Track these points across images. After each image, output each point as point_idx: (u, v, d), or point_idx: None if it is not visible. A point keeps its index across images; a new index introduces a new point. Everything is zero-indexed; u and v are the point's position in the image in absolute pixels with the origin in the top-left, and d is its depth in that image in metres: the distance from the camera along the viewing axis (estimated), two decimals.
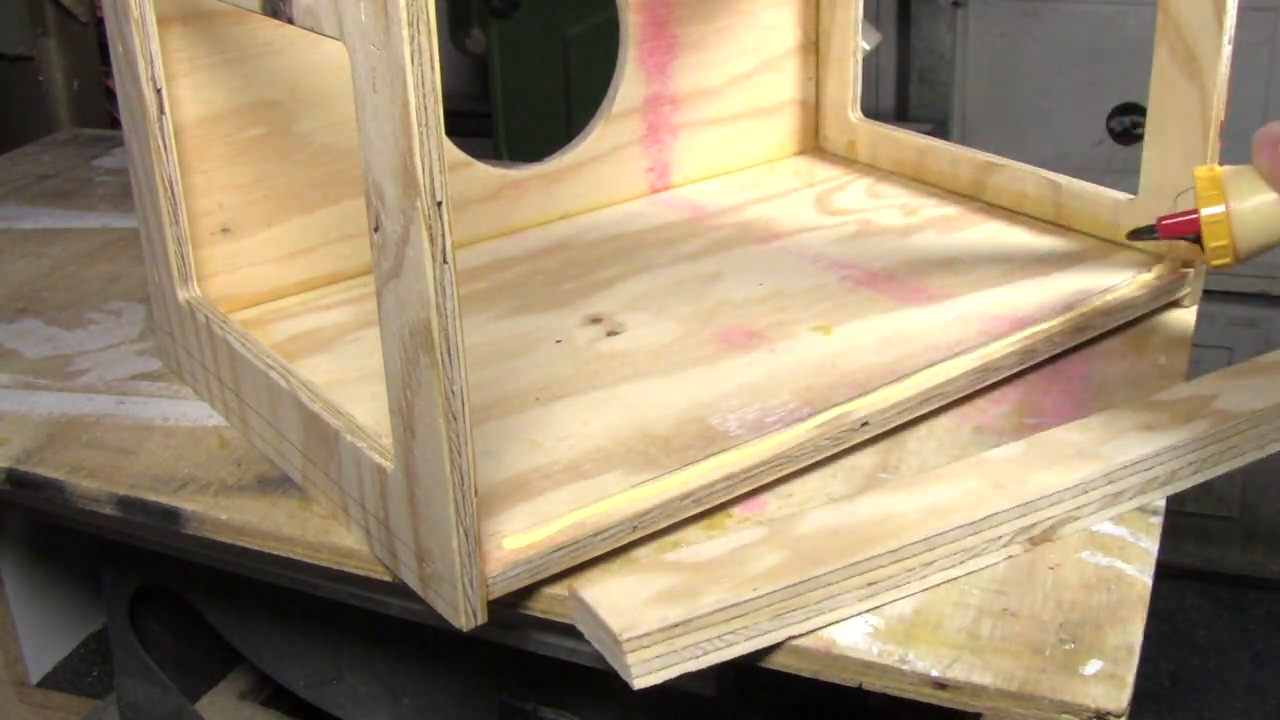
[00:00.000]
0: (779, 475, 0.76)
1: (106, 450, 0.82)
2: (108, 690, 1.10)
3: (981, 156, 1.09)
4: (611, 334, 0.89)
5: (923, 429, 0.81)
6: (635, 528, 0.70)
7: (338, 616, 0.86)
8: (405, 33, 0.53)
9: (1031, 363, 0.86)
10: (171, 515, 0.76)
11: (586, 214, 1.09)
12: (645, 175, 1.12)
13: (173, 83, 0.83)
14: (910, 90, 2.11)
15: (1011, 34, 2.03)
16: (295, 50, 0.88)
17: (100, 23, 2.02)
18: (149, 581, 0.97)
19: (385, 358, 0.62)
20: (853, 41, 1.16)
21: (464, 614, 0.64)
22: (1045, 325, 0.87)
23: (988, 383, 0.84)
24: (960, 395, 0.83)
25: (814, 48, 1.18)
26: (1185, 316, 0.94)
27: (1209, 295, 1.01)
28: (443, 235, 0.56)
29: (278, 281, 0.93)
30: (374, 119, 0.57)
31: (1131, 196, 0.96)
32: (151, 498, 0.77)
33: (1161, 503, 0.74)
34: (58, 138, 1.48)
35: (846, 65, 1.17)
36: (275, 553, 0.74)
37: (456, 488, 0.61)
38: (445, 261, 0.57)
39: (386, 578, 0.71)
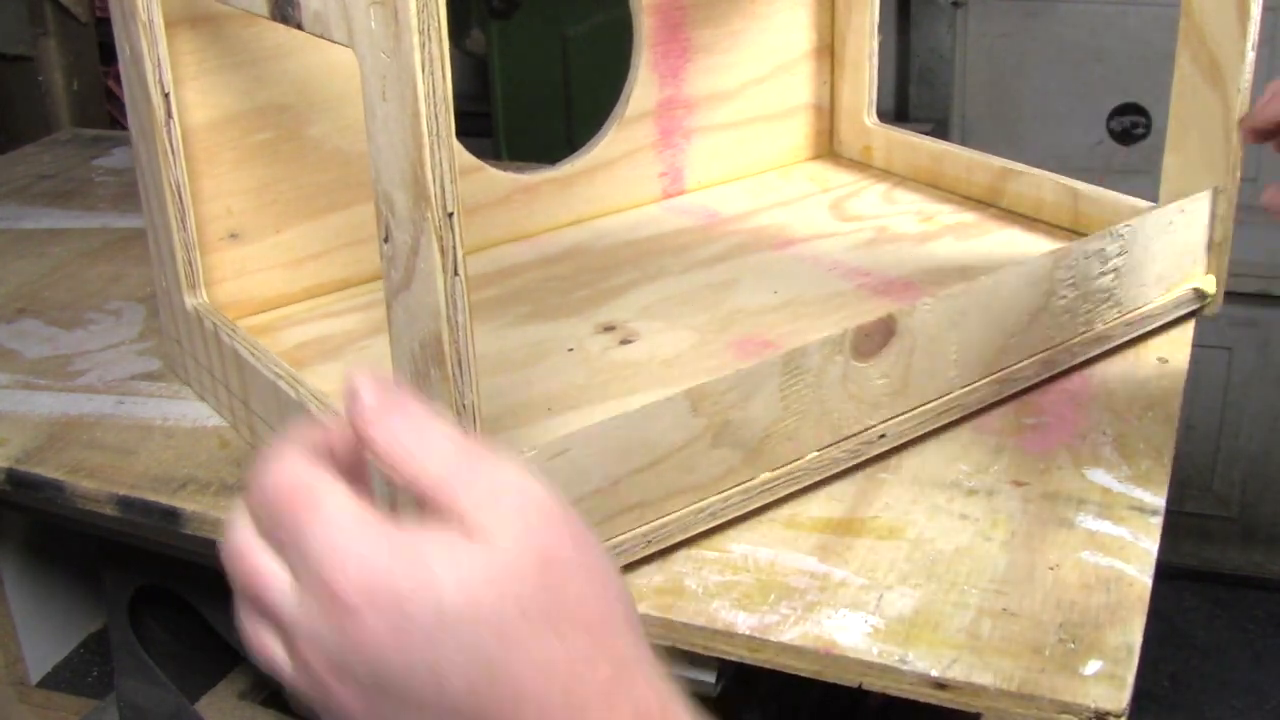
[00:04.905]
0: (795, 489, 0.75)
1: (106, 450, 0.82)
2: (107, 690, 1.10)
3: (998, 163, 1.08)
4: (625, 342, 0.88)
5: None
6: (649, 542, 0.69)
7: None
8: (416, 40, 0.52)
9: (1051, 373, 0.85)
10: (171, 515, 0.76)
11: (599, 219, 1.08)
12: (658, 180, 1.11)
13: (181, 86, 0.83)
14: (910, 90, 2.11)
15: (1011, 34, 2.03)
16: (305, 53, 0.87)
17: (100, 22, 2.02)
18: (149, 582, 0.97)
19: (395, 369, 0.62)
20: (868, 45, 1.14)
21: None
22: (1066, 336, 0.86)
23: (1005, 394, 0.83)
24: (978, 408, 0.82)
25: (829, 51, 1.17)
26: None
27: None
28: (454, 247, 0.56)
29: (286, 287, 0.92)
30: (384, 128, 0.56)
31: (1153, 204, 0.95)
32: (151, 498, 0.77)
33: (1161, 502, 0.74)
34: (58, 138, 1.48)
35: (862, 69, 1.15)
36: None
37: None
38: (456, 274, 0.56)
39: None
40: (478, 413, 0.59)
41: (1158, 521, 0.72)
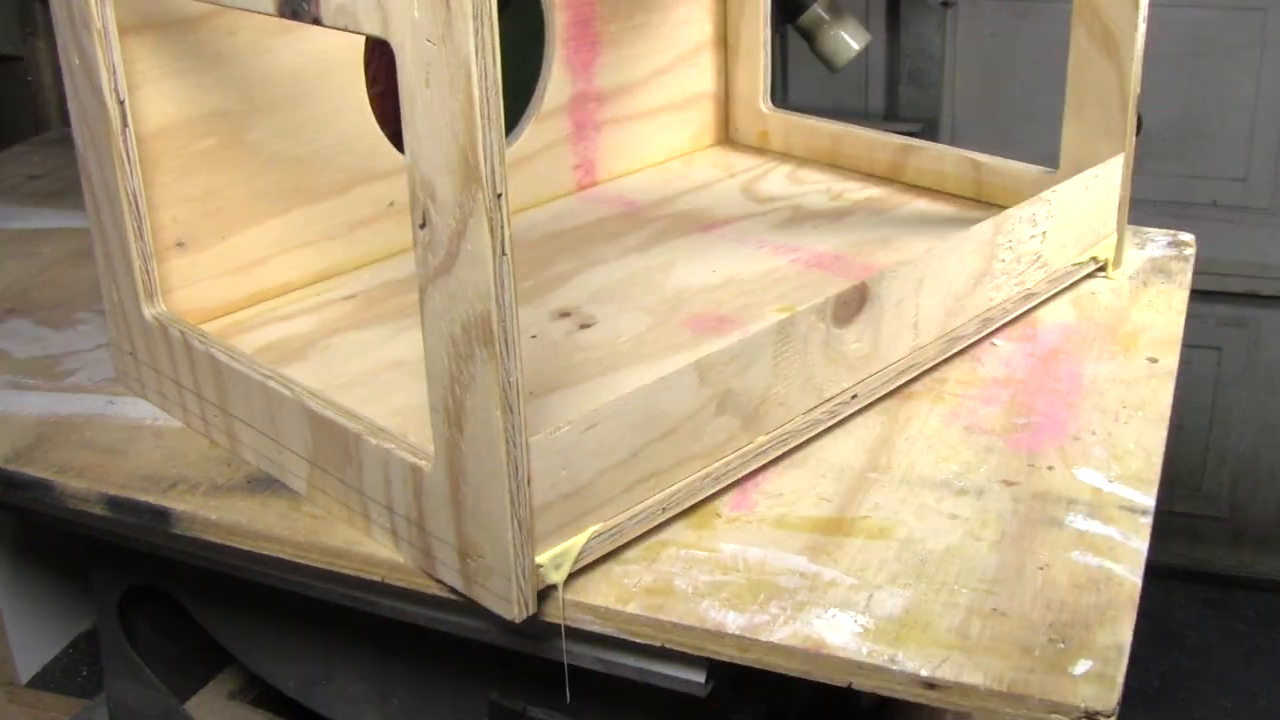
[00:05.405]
0: (787, 449, 0.78)
1: (96, 450, 0.82)
2: (97, 690, 1.10)
3: (898, 140, 1.14)
4: (584, 326, 0.90)
5: (912, 429, 0.81)
6: (664, 509, 0.72)
7: (327, 616, 0.86)
8: (470, 26, 0.54)
9: (990, 330, 0.90)
10: (161, 515, 0.76)
11: (520, 213, 1.09)
12: (573, 172, 1.14)
13: (129, 95, 0.82)
14: (899, 91, 2.12)
15: (1000, 34, 2.04)
16: (244, 59, 0.87)
17: None
18: (138, 581, 0.97)
19: (428, 356, 0.63)
20: (761, 34, 1.19)
21: (517, 605, 0.65)
22: (1003, 296, 0.91)
23: (953, 351, 0.88)
24: (931, 365, 0.86)
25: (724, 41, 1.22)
26: (1174, 317, 0.94)
27: (1197, 295, 1.01)
28: (502, 226, 0.57)
29: (233, 294, 0.92)
30: (425, 114, 0.57)
31: (1049, 170, 1.02)
32: (141, 498, 0.77)
33: (1151, 502, 0.74)
34: (47, 138, 1.48)
35: (757, 57, 1.20)
36: (265, 553, 0.74)
37: (512, 478, 0.62)
38: (504, 253, 0.58)
39: (376, 577, 0.71)
40: (521, 389, 0.61)
41: (1148, 521, 0.73)
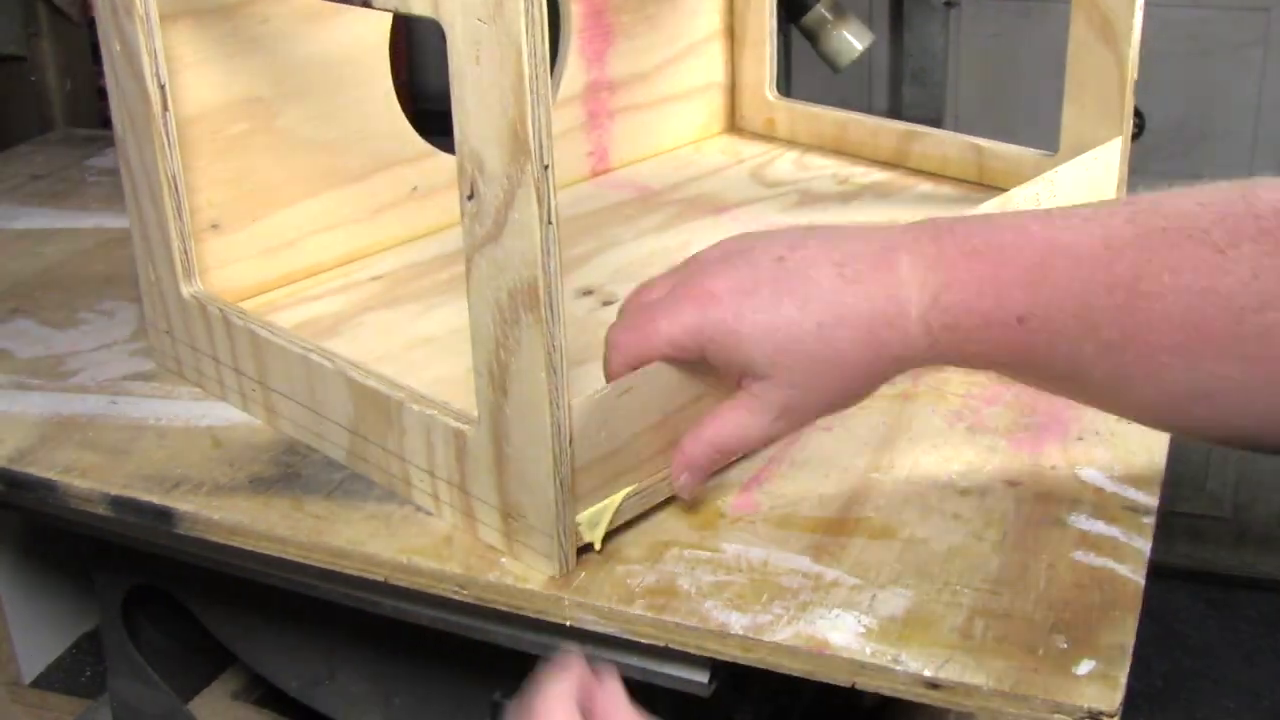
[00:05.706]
0: None
1: (99, 450, 0.82)
2: (100, 690, 1.10)
3: (902, 126, 1.17)
4: (607, 304, 0.93)
5: (915, 429, 0.81)
6: None
7: (330, 616, 0.86)
8: (520, 5, 0.56)
9: None
10: (164, 515, 0.76)
11: None
12: (587, 159, 1.17)
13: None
14: (903, 90, 2.11)
15: (1004, 33, 2.04)
16: (276, 46, 0.89)
17: (94, 23, 2.02)
18: (141, 582, 0.97)
19: (474, 322, 0.65)
20: (768, 24, 1.21)
21: (559, 562, 0.67)
22: None
23: None
24: None
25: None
26: None
27: None
28: (549, 196, 0.60)
29: (263, 275, 0.94)
30: (475, 90, 0.59)
31: (1051, 153, 1.04)
32: (144, 498, 0.77)
33: (1154, 502, 0.74)
34: (50, 138, 1.48)
35: (763, 47, 1.23)
36: (268, 553, 0.74)
37: (555, 439, 0.64)
38: (550, 222, 0.60)
39: (379, 578, 0.71)
40: (565, 353, 0.63)
41: (1151, 521, 0.72)
